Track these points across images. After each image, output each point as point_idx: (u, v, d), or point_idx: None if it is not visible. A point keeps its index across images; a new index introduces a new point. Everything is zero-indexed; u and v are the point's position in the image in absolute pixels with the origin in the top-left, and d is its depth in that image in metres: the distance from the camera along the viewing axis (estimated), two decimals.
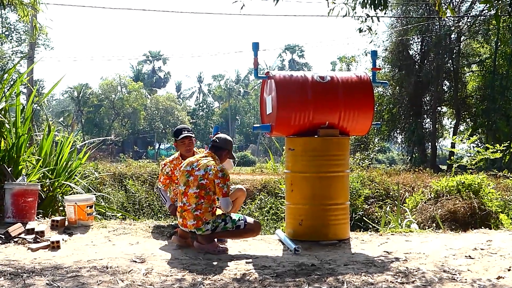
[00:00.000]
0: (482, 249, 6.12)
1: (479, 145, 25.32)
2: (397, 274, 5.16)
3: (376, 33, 29.01)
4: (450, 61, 29.90)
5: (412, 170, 18.03)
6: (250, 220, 6.35)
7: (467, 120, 31.25)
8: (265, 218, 11.45)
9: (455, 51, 29.53)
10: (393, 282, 4.88)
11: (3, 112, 8.61)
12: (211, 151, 6.37)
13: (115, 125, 67.28)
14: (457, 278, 5.03)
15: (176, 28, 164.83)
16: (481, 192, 9.82)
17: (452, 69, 30.02)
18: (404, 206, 10.68)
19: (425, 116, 31.32)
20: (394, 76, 30.49)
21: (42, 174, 8.62)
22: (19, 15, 10.92)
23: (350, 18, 8.72)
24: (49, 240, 6.45)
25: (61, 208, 8.50)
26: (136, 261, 5.65)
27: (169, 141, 72.17)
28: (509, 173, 13.32)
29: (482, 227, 8.25)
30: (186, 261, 5.71)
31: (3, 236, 6.66)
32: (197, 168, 6.15)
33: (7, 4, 10.53)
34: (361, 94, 6.84)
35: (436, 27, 29.02)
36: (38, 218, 7.87)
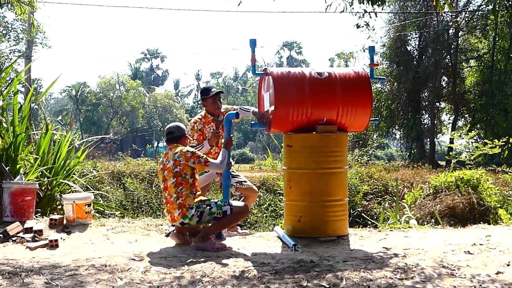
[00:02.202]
0: (481, 245, 6.12)
1: (478, 140, 25.30)
2: (396, 270, 5.15)
3: (374, 29, 28.94)
4: (448, 56, 29.90)
5: (411, 166, 18.02)
6: (235, 203, 6.42)
7: (466, 115, 31.25)
8: (264, 215, 11.45)
9: (453, 46, 29.52)
10: (392, 278, 4.88)
11: (0, 111, 8.61)
12: (171, 143, 6.41)
13: (113, 124, 67.25)
14: (456, 273, 5.03)
15: (173, 26, 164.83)
16: (479, 187, 9.81)
17: (450, 64, 30.02)
18: (403, 202, 10.67)
19: (424, 111, 31.33)
20: (392, 72, 30.49)
21: (40, 173, 8.61)
22: (16, 13, 10.90)
23: (347, 14, 8.69)
24: (47, 238, 6.45)
25: (60, 206, 8.50)
26: (134, 259, 5.65)
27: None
28: (507, 168, 13.33)
29: (481, 223, 8.26)
30: (185, 258, 5.71)
31: (1, 235, 6.66)
32: (167, 161, 6.27)
33: (4, 2, 10.50)
34: (359, 90, 6.83)
35: (434, 22, 29.01)
36: (36, 217, 7.86)
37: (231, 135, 6.73)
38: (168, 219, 6.35)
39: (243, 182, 7.36)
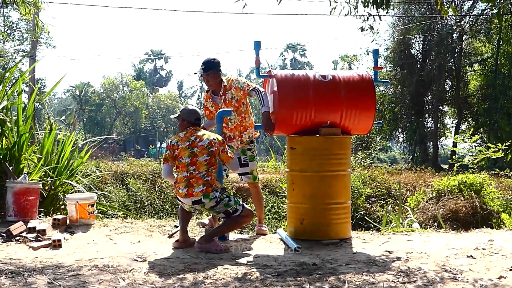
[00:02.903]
0: (483, 249, 6.11)
1: (481, 144, 25.25)
2: (399, 274, 5.15)
3: (378, 32, 29.07)
4: (452, 60, 29.88)
5: (414, 169, 18.05)
6: (246, 206, 6.45)
7: (469, 119, 31.24)
8: (267, 217, 11.44)
9: (457, 50, 29.50)
10: (394, 282, 4.88)
11: (4, 110, 8.62)
12: (194, 127, 6.41)
13: (116, 124, 67.34)
14: (459, 277, 5.02)
15: (177, 27, 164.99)
16: (482, 191, 9.82)
17: (454, 68, 30.01)
18: (405, 205, 10.68)
19: (427, 115, 31.33)
20: (396, 75, 30.49)
21: (44, 173, 8.62)
22: (21, 13, 10.93)
23: (352, 17, 8.69)
24: (50, 238, 6.45)
25: (63, 206, 8.51)
26: (137, 260, 5.65)
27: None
28: (510, 172, 13.31)
29: (484, 227, 8.24)
30: (188, 260, 5.71)
31: (4, 235, 6.66)
32: (198, 140, 6.25)
33: (9, 2, 10.53)
34: (363, 93, 6.83)
35: (438, 26, 29.00)
36: (39, 216, 7.87)
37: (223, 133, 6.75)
38: (180, 193, 6.21)
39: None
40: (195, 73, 7.32)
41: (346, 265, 5.56)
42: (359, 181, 12.44)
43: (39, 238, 6.60)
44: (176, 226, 7.27)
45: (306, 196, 6.73)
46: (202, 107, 7.46)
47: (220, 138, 6.37)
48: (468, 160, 14.69)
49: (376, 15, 8.36)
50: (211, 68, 7.05)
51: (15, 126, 8.60)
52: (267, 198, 12.11)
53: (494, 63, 28.50)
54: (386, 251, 6.25)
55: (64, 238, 6.64)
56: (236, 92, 7.02)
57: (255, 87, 6.95)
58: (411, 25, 29.00)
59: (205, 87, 7.31)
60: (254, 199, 7.55)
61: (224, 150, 6.30)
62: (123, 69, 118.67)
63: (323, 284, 4.79)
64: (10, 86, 9.51)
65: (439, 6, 7.86)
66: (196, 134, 6.32)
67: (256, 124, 7.13)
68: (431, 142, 30.91)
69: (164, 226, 7.53)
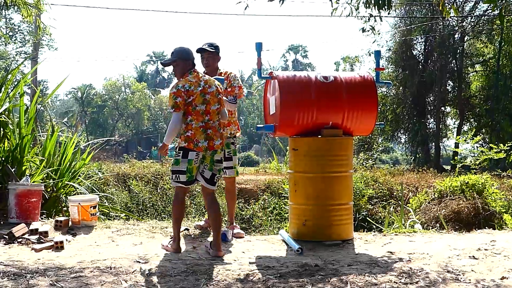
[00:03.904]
0: (486, 250, 6.11)
1: (483, 145, 25.24)
2: (401, 275, 5.15)
3: (380, 33, 29.04)
4: (454, 61, 29.84)
5: (416, 170, 18.02)
6: None
7: (471, 120, 31.21)
8: (269, 218, 11.45)
9: (458, 51, 29.46)
10: (396, 283, 4.88)
11: (7, 112, 8.63)
12: (193, 68, 6.12)
13: (119, 126, 67.40)
14: (461, 278, 5.02)
15: (179, 29, 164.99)
16: (485, 192, 9.81)
17: (455, 69, 29.97)
18: (407, 206, 10.67)
19: (429, 116, 31.28)
20: (398, 76, 30.47)
21: (46, 175, 8.63)
22: (22, 15, 10.94)
23: (353, 18, 8.70)
24: (52, 240, 6.46)
25: (65, 208, 8.51)
26: (139, 262, 5.66)
27: (172, 142, 72.10)
28: None
29: (486, 227, 8.24)
30: (190, 261, 5.71)
31: (6, 237, 6.67)
32: (208, 86, 5.99)
33: (11, 4, 10.54)
34: (365, 94, 6.83)
35: (439, 27, 28.97)
36: (41, 218, 7.88)
37: None
38: (199, 147, 5.92)
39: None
40: (201, 48, 7.06)
41: (348, 266, 5.56)
42: (361, 182, 12.42)
43: (41, 240, 6.60)
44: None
45: (309, 197, 6.73)
46: None
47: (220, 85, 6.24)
48: (470, 161, 14.66)
49: (377, 16, 8.38)
50: (217, 50, 7.12)
51: (17, 128, 8.60)
52: (269, 200, 12.11)
53: (496, 64, 28.45)
54: (388, 252, 6.25)
55: (66, 240, 6.64)
56: (228, 85, 7.05)
57: (235, 97, 7.02)
58: (412, 26, 28.98)
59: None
60: (229, 195, 7.41)
61: (223, 96, 6.24)
62: (125, 71, 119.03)
63: (325, 285, 4.79)
64: (12, 88, 9.51)
65: (440, 7, 7.87)
66: (203, 79, 6.02)
67: (258, 126, 7.14)
68: (433, 143, 30.86)
69: (166, 228, 7.53)
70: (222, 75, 7.08)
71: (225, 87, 6.98)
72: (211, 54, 7.05)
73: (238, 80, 7.15)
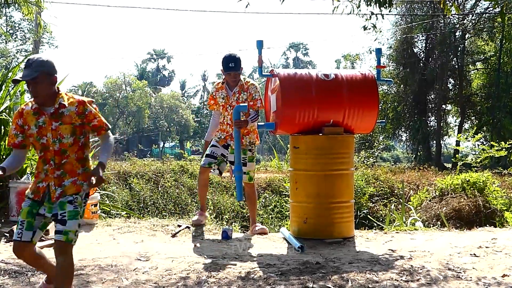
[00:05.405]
0: (487, 247, 6.11)
1: (484, 143, 25.22)
2: (402, 272, 5.15)
3: (381, 31, 28.92)
4: (455, 59, 29.84)
5: (417, 168, 18.00)
6: None
7: (472, 118, 31.19)
8: (270, 216, 11.44)
9: (459, 49, 29.46)
10: (397, 280, 4.88)
11: (7, 110, 8.63)
12: None
13: (119, 124, 67.38)
14: (462, 276, 5.02)
15: (180, 27, 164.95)
16: (486, 190, 9.79)
17: (456, 67, 29.97)
18: (408, 204, 10.66)
19: (430, 114, 31.29)
20: (399, 74, 30.47)
21: None
22: (23, 13, 10.93)
23: (354, 16, 8.69)
24: (53, 238, 6.45)
25: None
26: (140, 259, 5.66)
27: (173, 140, 72.23)
28: None
29: (487, 225, 8.23)
30: (191, 259, 5.71)
31: (8, 235, 6.68)
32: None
33: (12, 2, 10.54)
34: (366, 92, 6.83)
35: (440, 24, 28.96)
36: None
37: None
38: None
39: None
40: (229, 69, 7.06)
41: (349, 263, 5.56)
42: (362, 180, 12.41)
43: (42, 238, 6.60)
44: (179, 226, 7.28)
45: (310, 195, 6.73)
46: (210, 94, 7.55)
47: None
48: (471, 158, 14.63)
49: (378, 13, 8.38)
50: (241, 66, 7.15)
51: None
52: (270, 198, 12.10)
53: (497, 62, 28.43)
54: (389, 249, 6.25)
55: None
56: (249, 97, 7.08)
57: (257, 112, 7.12)
58: (413, 23, 28.96)
59: (209, 87, 7.27)
60: (248, 199, 7.54)
61: None
62: (126, 69, 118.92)
63: (327, 283, 4.80)
64: (12, 86, 9.52)
65: (442, 5, 7.86)
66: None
67: (259, 124, 7.14)
68: (434, 141, 30.87)
69: (167, 226, 7.53)
70: (244, 87, 7.14)
71: (246, 98, 7.04)
72: (237, 72, 7.12)
73: (259, 92, 7.20)
